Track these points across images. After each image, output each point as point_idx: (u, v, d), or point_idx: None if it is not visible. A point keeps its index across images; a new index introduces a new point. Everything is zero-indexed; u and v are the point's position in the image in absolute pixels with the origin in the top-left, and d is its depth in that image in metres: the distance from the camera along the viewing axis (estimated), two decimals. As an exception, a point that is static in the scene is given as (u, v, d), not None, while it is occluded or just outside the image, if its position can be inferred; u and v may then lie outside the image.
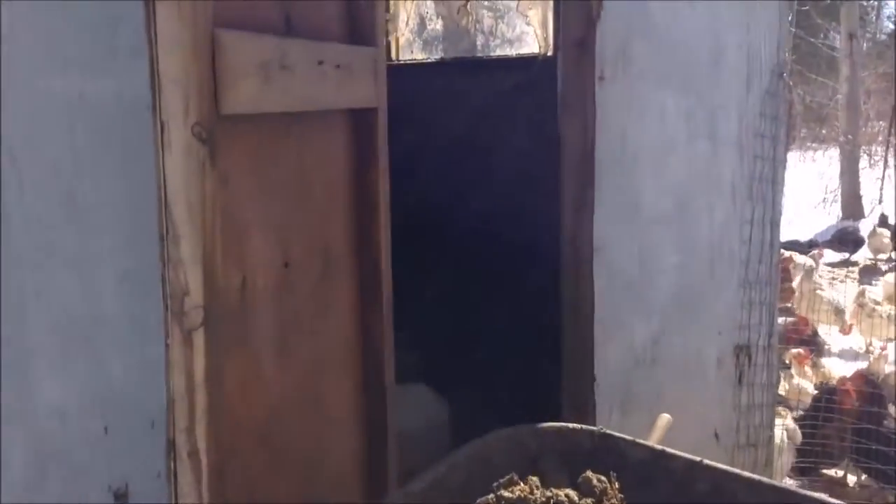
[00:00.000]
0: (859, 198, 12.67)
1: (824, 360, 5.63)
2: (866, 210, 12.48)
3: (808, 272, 6.81)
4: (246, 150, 1.32)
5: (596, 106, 2.29)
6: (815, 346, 5.77)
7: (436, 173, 3.93)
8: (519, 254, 2.98)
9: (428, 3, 4.03)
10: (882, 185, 13.08)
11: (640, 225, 2.46)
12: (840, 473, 4.21)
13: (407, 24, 4.14)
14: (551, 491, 1.29)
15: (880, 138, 14.15)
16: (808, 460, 4.11)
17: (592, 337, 2.33)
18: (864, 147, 13.70)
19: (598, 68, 2.29)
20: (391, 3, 4.11)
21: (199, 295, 1.16)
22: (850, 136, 12.79)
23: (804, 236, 10.40)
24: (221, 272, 1.21)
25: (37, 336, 1.08)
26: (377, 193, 1.77)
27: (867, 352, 6.20)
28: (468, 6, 3.66)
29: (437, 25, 4.07)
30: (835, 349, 6.35)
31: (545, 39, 3.25)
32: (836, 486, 4.06)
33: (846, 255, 9.69)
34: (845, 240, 9.84)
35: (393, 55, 4.28)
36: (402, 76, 4.24)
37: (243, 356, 1.36)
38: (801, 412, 4.41)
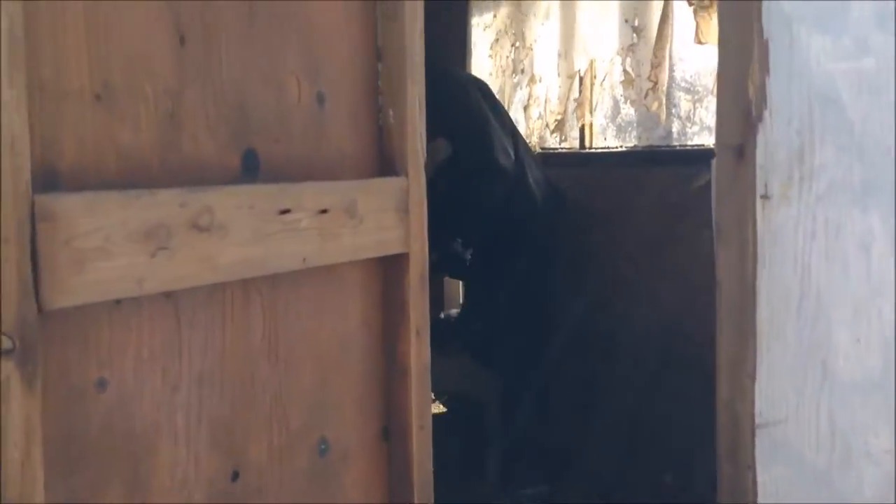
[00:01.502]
0: None
1: None
2: None
3: None
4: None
5: (757, 234, 1.71)
6: None
7: (615, 275, 3.42)
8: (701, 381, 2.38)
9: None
10: None
11: (830, 393, 1.80)
12: None
13: (593, 108, 3.70)
14: None
15: None
16: None
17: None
18: None
19: (762, 183, 1.71)
20: (584, 85, 3.72)
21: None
22: None
23: None
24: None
25: None
26: (407, 361, 1.37)
27: None
28: (657, 90, 3.15)
29: (632, 110, 3.60)
30: None
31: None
32: None
33: None
34: None
35: (586, 142, 3.88)
36: (591, 165, 3.83)
37: None
38: None
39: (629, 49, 3.31)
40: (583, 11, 3.69)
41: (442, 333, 3.40)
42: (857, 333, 1.81)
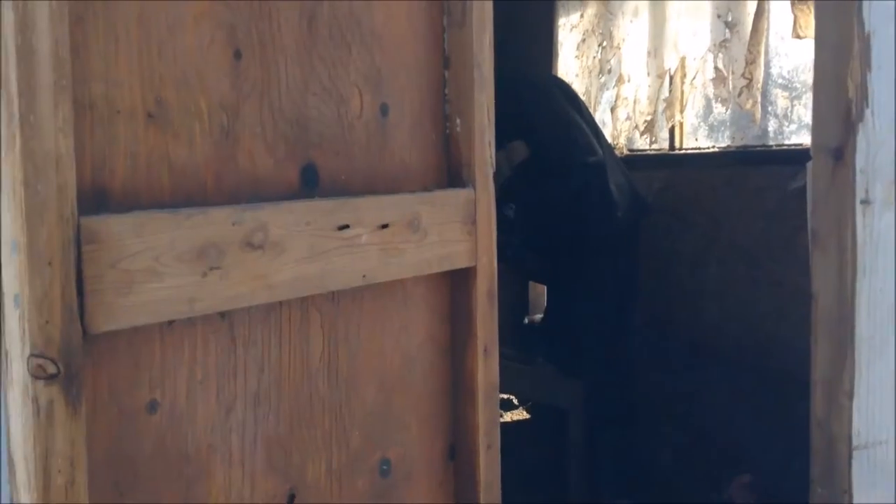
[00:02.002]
0: None
1: None
2: None
3: None
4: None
5: (857, 241, 1.58)
6: None
7: (708, 284, 3.27)
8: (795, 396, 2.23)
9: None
10: None
11: (941, 416, 1.65)
12: None
13: (683, 107, 3.56)
14: None
15: None
16: None
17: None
18: None
19: (862, 188, 1.58)
20: (674, 85, 3.58)
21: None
22: None
23: None
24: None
25: None
26: (474, 380, 1.32)
27: None
28: (752, 87, 3.00)
29: (724, 109, 3.44)
30: None
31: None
32: None
33: None
34: None
35: (676, 143, 3.74)
36: (682, 166, 3.68)
37: None
38: None
39: (721, 45, 3.16)
40: (673, 8, 3.56)
41: (525, 341, 3.35)
42: (974, 354, 1.66)
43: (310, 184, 1.10)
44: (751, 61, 2.92)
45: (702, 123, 3.73)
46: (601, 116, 4.18)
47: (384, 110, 1.20)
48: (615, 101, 3.98)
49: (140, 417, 0.89)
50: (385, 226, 1.14)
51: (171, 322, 0.92)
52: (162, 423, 0.91)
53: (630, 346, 2.95)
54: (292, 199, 1.06)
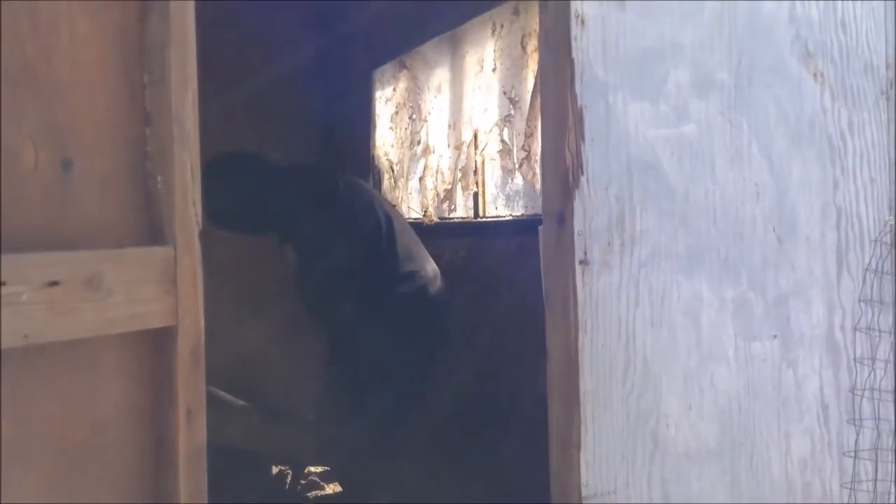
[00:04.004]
0: None
1: None
2: None
3: None
4: None
5: (578, 300, 1.67)
6: None
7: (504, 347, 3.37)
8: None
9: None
10: None
11: (663, 463, 1.74)
12: None
13: (480, 178, 3.70)
14: None
15: None
16: None
17: None
18: None
19: (581, 249, 1.68)
20: (469, 156, 3.72)
21: None
22: None
23: None
24: None
25: None
26: (175, 445, 1.27)
27: None
28: (531, 160, 3.16)
29: (510, 179, 3.60)
30: None
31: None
32: None
33: None
34: None
35: (480, 211, 3.87)
36: (483, 235, 3.81)
37: None
38: None
39: (506, 120, 3.33)
40: (469, 84, 3.73)
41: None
42: (688, 401, 1.77)
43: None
44: (529, 135, 3.08)
45: (500, 193, 3.89)
46: (412, 186, 4.29)
47: (66, 165, 1.16)
48: (423, 171, 4.09)
49: None
50: (55, 283, 1.09)
51: None
52: None
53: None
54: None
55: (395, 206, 3.97)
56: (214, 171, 2.76)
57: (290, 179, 3.09)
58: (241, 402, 3.51)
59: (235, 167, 3.04)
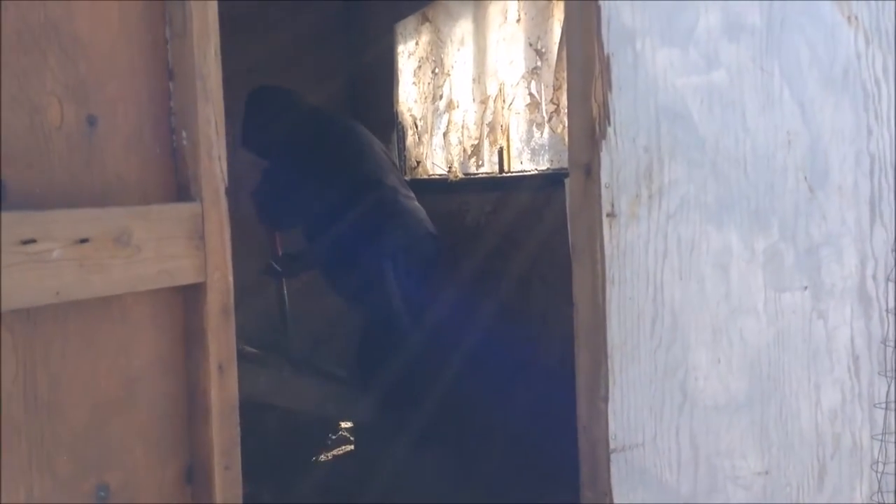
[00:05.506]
0: None
1: None
2: None
3: None
4: None
5: (605, 253, 1.65)
6: None
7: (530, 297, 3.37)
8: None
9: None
10: None
11: (691, 416, 1.73)
12: None
13: (506, 132, 3.66)
14: None
15: None
16: None
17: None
18: None
19: (608, 202, 1.66)
20: (495, 110, 3.68)
21: None
22: None
23: None
24: None
25: None
26: (208, 399, 1.28)
27: None
28: (560, 112, 3.11)
29: (539, 133, 3.56)
30: None
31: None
32: None
33: None
34: None
35: (505, 166, 3.83)
36: (509, 190, 3.78)
37: None
38: None
39: (533, 72, 3.28)
40: (493, 37, 3.67)
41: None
42: (717, 354, 1.76)
43: (-5, 195, 1.05)
44: (557, 87, 3.03)
45: (525, 147, 3.85)
46: (436, 141, 4.25)
47: (91, 121, 1.16)
48: (447, 127, 4.06)
49: None
50: (85, 240, 1.10)
51: None
52: None
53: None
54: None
55: (394, 163, 4.02)
56: (249, 97, 3.48)
57: (304, 115, 3.54)
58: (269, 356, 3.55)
59: (266, 96, 3.52)
